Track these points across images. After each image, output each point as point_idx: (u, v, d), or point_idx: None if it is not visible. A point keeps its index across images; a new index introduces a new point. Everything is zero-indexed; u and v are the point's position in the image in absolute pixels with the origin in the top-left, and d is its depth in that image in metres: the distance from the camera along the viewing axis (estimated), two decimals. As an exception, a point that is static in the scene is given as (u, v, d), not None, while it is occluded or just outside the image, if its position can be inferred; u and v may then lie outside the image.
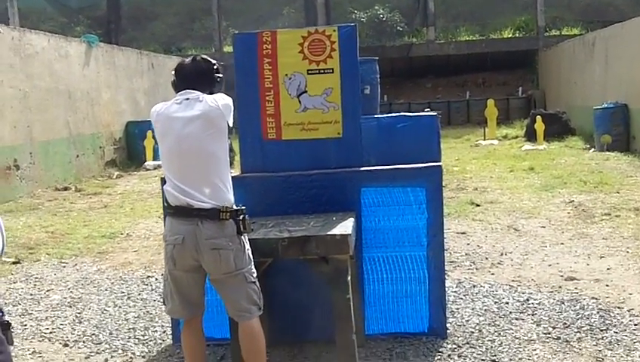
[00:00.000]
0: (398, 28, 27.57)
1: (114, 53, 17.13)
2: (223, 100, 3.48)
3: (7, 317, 2.46)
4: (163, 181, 3.55)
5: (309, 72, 4.46)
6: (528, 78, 29.38)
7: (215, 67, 3.61)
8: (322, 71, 4.46)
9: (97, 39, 16.21)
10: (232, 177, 3.64)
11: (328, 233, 3.85)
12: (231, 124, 3.51)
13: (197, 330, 3.73)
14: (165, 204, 3.58)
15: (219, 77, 3.62)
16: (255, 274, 3.58)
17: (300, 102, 4.48)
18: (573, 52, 20.83)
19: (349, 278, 3.94)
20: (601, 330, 4.61)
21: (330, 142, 4.53)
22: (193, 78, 3.53)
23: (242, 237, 3.50)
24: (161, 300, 4.07)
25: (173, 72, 3.60)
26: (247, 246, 3.55)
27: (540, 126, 17.23)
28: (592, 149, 15.42)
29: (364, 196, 4.48)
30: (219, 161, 3.47)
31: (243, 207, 3.51)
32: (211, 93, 3.55)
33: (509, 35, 27.89)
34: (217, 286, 3.60)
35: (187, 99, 3.48)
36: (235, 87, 4.54)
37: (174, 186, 3.45)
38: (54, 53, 14.03)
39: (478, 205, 9.43)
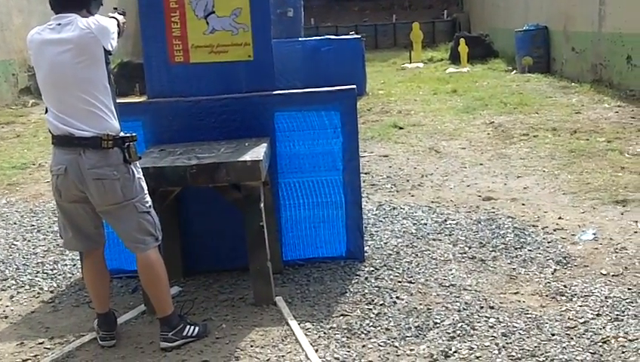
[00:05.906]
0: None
1: (23, -26, 16.12)
2: (98, 23, 3.23)
3: None
4: (46, 110, 3.34)
5: (217, -10, 4.23)
6: (453, 1, 29.41)
7: None
8: (230, -10, 4.23)
9: (3, -41, 15.17)
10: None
11: (239, 159, 3.73)
12: (110, 48, 3.27)
13: (97, 264, 3.58)
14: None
15: None
16: (149, 204, 3.44)
17: (207, 23, 4.25)
18: (497, -26, 20.83)
19: (262, 205, 3.85)
20: (516, 248, 4.68)
21: (240, 66, 4.33)
22: None
23: (131, 165, 3.33)
24: None
25: None
26: (139, 174, 3.40)
27: (463, 49, 17.32)
28: (514, 71, 15.64)
29: (278, 121, 4.35)
30: (96, 88, 3.25)
31: (132, 134, 3.35)
32: (90, 14, 3.30)
33: (435, -44, 27.78)
34: (107, 218, 3.45)
35: (59, 24, 3.23)
36: (138, 8, 4.28)
37: (54, 115, 3.26)
38: (-46, -24, 13.10)
39: (401, 128, 9.46)
